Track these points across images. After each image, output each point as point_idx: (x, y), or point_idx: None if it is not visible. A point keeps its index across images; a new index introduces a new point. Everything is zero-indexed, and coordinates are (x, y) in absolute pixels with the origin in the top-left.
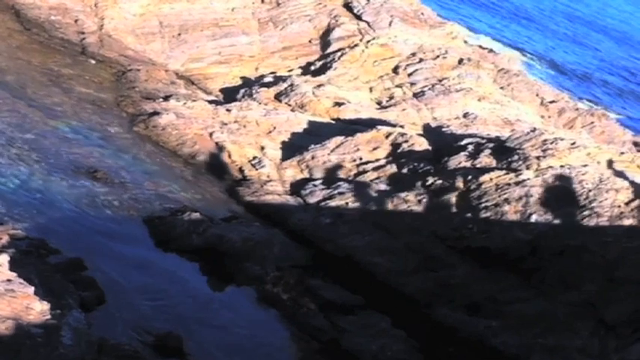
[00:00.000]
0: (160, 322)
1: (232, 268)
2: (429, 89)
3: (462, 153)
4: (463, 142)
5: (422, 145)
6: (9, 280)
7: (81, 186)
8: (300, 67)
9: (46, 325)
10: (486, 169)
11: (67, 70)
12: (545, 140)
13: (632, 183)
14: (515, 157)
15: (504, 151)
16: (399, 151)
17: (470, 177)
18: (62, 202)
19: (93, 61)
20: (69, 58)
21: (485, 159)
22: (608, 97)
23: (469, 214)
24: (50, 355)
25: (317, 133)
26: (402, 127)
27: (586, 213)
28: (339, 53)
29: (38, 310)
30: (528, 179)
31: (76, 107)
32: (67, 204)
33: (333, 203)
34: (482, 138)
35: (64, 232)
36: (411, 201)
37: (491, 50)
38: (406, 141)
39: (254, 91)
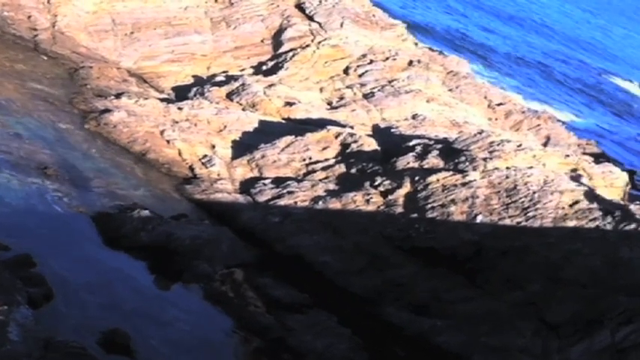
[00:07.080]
0: (108, 319)
1: (181, 266)
2: (379, 90)
3: (410, 154)
4: (411, 143)
5: (371, 145)
6: None
7: (31, 182)
8: (252, 67)
9: None
10: (434, 170)
11: (19, 66)
12: (491, 142)
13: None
14: (462, 159)
15: (452, 153)
16: (348, 151)
17: (417, 178)
18: (12, 198)
19: (45, 58)
20: (21, 54)
21: (433, 160)
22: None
23: (416, 215)
24: None
25: (267, 132)
26: (351, 127)
27: (530, 214)
28: (290, 53)
29: None
30: (474, 180)
31: (28, 103)
32: (16, 200)
33: (282, 202)
34: (431, 139)
35: (13, 229)
36: (359, 201)
37: (440, 52)
38: (355, 141)
39: (206, 90)
